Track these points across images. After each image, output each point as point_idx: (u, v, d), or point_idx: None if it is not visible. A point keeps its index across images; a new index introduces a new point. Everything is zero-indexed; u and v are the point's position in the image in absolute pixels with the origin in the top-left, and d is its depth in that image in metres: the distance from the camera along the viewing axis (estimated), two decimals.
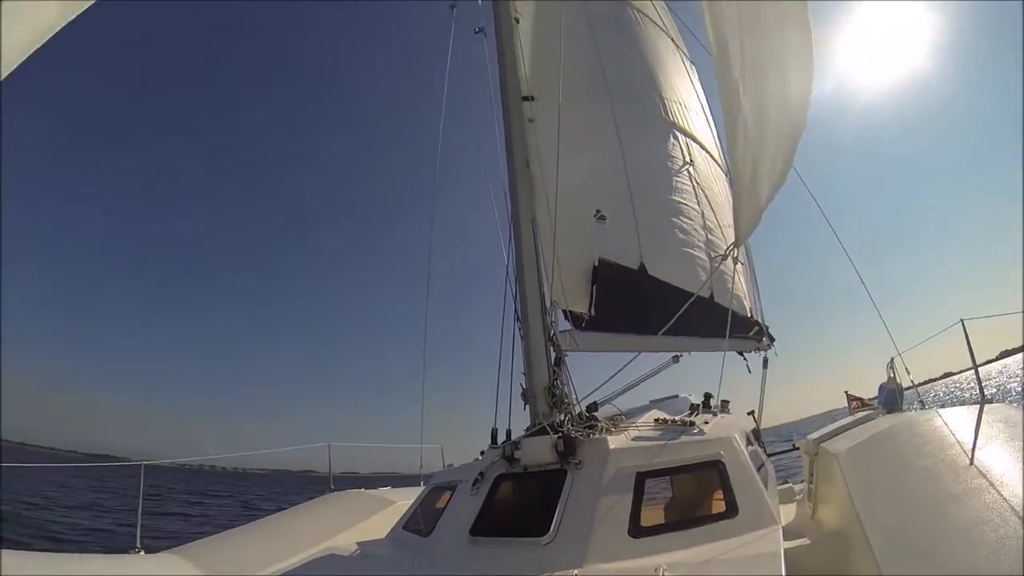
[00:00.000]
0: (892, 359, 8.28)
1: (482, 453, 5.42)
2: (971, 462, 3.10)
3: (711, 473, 3.89)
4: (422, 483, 9.26)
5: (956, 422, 3.91)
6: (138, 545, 5.75)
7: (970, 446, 3.30)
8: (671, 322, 4.49)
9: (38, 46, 2.07)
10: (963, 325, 4.86)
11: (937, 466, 3.34)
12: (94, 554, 5.60)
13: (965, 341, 4.75)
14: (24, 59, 2.01)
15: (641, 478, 3.88)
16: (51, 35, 2.15)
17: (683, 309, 4.52)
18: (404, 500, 6.84)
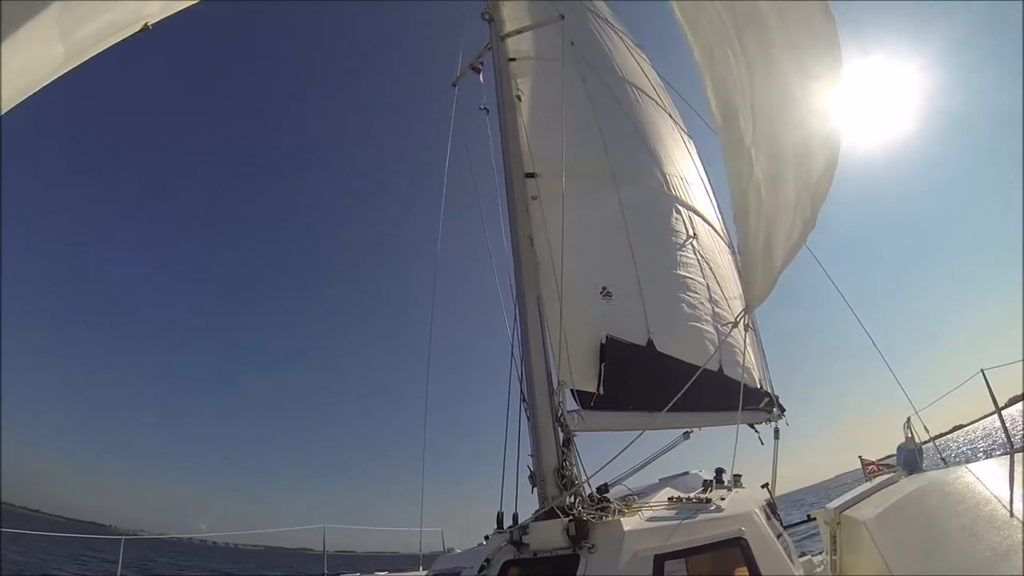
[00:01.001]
0: (909, 418, 8.11)
1: (486, 538, 5.21)
2: (1011, 514, 2.98)
3: (733, 551, 3.71)
4: (421, 566, 8.91)
5: (987, 475, 3.78)
6: None
7: (1007, 499, 3.16)
8: (676, 398, 4.38)
9: (39, 87, 2.11)
10: (984, 376, 4.75)
11: (976, 524, 3.21)
12: None
13: (987, 391, 4.65)
14: (24, 98, 2.03)
15: (660, 560, 3.68)
16: (55, 77, 2.19)
17: (689, 383, 4.41)
18: None
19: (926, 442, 8.10)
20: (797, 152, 3.19)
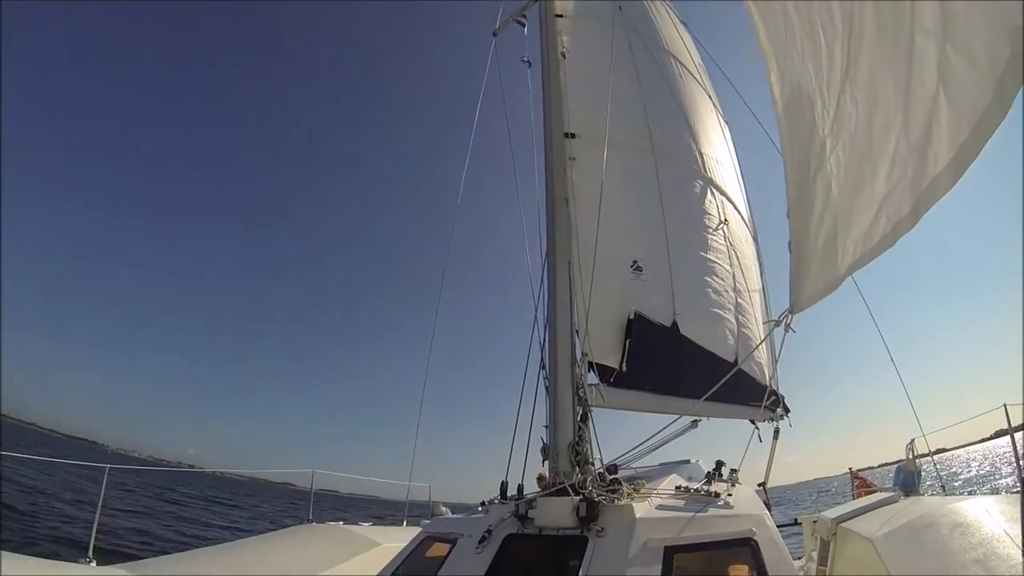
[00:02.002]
0: (913, 440, 8.10)
1: (482, 504, 5.08)
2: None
3: (743, 551, 3.61)
4: (406, 520, 8.88)
5: (998, 511, 3.85)
6: (90, 555, 5.39)
7: (1019, 539, 3.26)
8: (714, 388, 4.22)
9: None
10: (1006, 411, 4.72)
11: (989, 559, 3.28)
12: (37, 559, 5.12)
13: (1007, 422, 4.64)
14: None
15: (670, 553, 3.55)
16: None
17: (726, 378, 4.25)
18: (389, 543, 6.46)
19: (924, 455, 8.12)
20: (909, 143, 2.86)
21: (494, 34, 8.22)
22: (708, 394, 4.24)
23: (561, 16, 7.83)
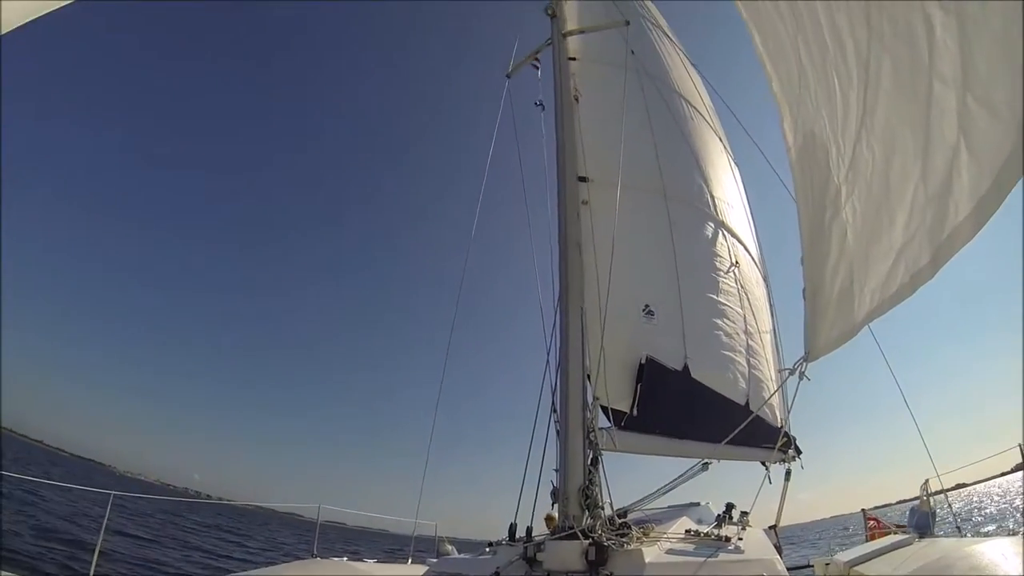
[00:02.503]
0: (927, 480, 7.97)
1: (490, 545, 5.08)
2: None
3: None
4: (411, 558, 8.81)
5: (1013, 555, 3.79)
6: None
7: None
8: (733, 433, 4.26)
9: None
10: (1021, 450, 4.67)
11: None
12: None
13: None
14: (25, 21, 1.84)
15: None
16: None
17: (744, 424, 4.29)
18: None
19: (940, 492, 7.99)
20: (928, 193, 2.82)
21: (508, 76, 8.42)
22: (726, 440, 4.26)
23: (574, 59, 8.03)
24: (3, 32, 1.67)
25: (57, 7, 1.86)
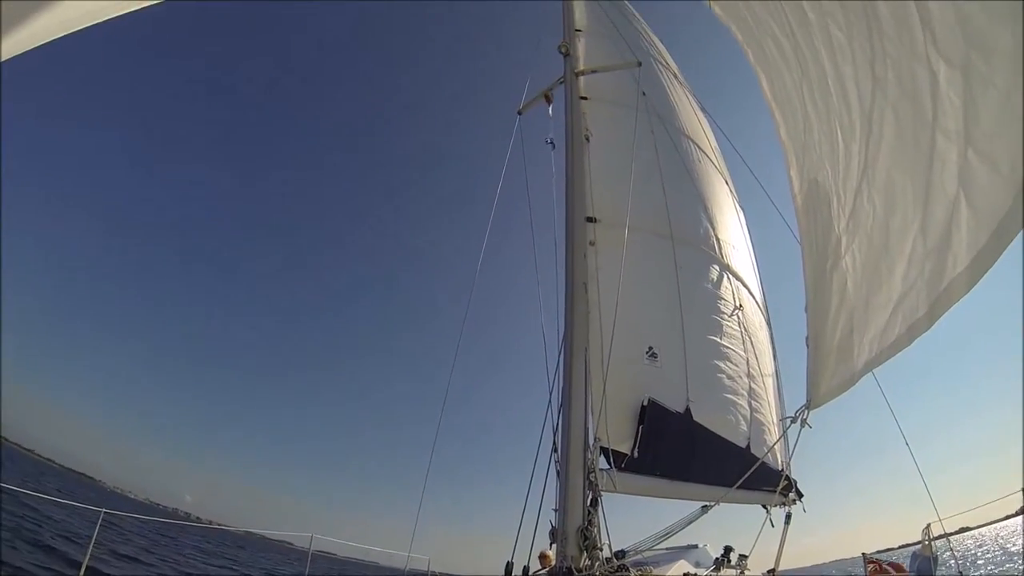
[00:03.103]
0: (929, 525, 7.90)
1: None
2: None
3: None
4: None
5: None
6: None
7: None
8: (741, 480, 4.28)
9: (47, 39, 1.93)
10: None
11: None
12: None
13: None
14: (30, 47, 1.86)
15: None
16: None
17: (750, 472, 4.31)
18: None
19: (939, 537, 7.90)
20: (927, 245, 2.82)
21: (519, 113, 8.55)
22: (733, 487, 4.26)
23: (586, 99, 8.19)
24: (4, 59, 1.71)
25: (60, 35, 1.91)
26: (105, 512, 6.68)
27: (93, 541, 6.20)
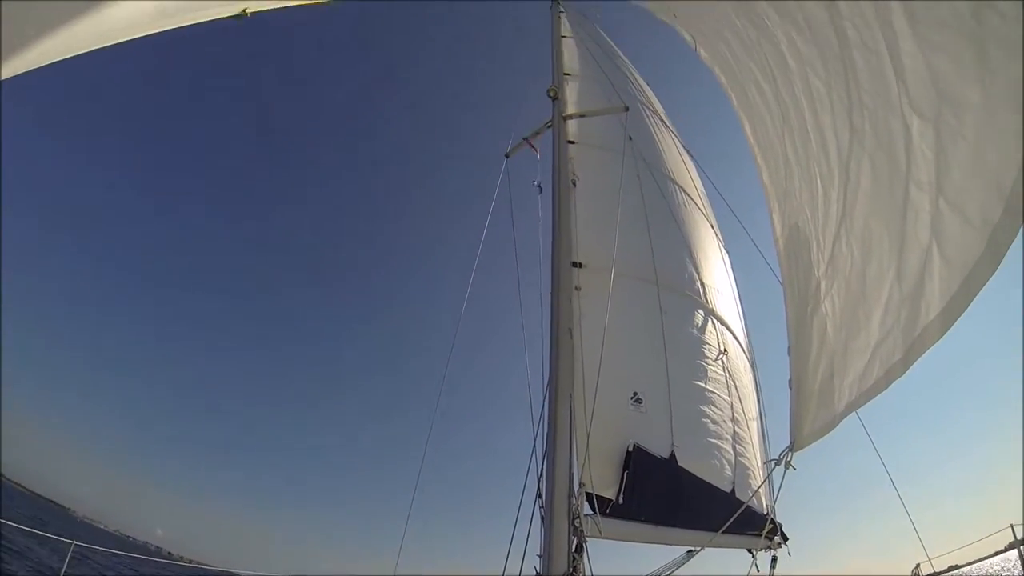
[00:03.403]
0: (918, 564, 7.91)
1: None
2: None
3: None
4: None
5: None
6: None
7: None
8: (727, 523, 4.33)
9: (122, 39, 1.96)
10: (1013, 531, 4.68)
11: None
12: None
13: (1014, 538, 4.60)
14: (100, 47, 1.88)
15: None
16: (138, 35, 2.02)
17: (735, 516, 4.37)
18: None
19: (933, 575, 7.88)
20: (902, 292, 2.89)
21: (507, 156, 8.71)
22: (721, 529, 4.29)
23: (573, 143, 8.39)
24: (3, 78, 1.75)
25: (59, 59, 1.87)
26: (76, 544, 6.55)
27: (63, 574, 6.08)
